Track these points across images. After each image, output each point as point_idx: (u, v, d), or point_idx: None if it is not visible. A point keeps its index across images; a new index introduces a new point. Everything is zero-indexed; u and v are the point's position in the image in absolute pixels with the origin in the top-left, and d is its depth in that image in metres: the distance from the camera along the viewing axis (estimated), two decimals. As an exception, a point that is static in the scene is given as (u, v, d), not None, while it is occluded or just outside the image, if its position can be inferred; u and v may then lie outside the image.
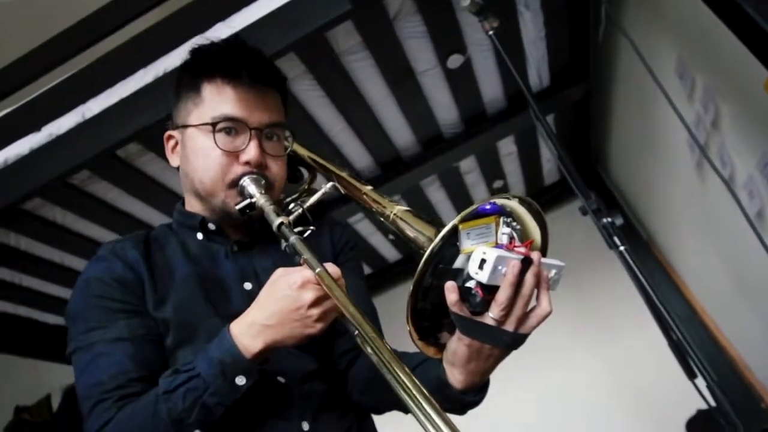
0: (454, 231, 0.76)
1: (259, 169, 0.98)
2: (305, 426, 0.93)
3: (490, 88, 2.40)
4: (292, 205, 0.98)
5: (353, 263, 1.13)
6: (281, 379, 0.95)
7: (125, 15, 1.91)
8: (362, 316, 0.78)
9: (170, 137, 1.08)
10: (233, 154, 0.98)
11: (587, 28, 2.29)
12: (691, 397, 1.30)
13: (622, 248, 1.20)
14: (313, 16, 1.72)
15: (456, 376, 0.83)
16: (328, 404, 0.98)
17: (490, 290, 0.76)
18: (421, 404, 0.66)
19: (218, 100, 0.99)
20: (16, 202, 1.99)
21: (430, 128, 2.52)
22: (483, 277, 0.74)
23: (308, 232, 0.91)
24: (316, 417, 0.95)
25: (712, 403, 1.18)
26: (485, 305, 0.77)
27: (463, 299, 0.77)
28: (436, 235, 0.75)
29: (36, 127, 1.91)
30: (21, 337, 2.73)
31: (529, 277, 0.76)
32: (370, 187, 0.99)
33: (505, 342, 0.78)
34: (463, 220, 0.76)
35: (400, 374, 0.71)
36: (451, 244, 0.77)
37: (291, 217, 0.92)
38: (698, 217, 2.26)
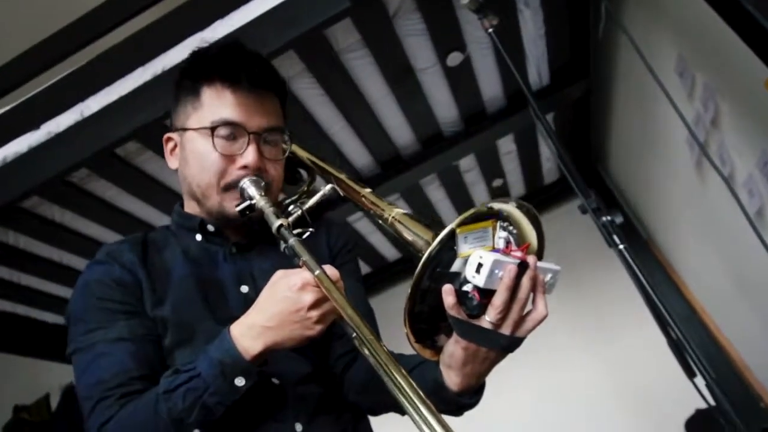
0: (452, 235, 0.76)
1: (257, 173, 0.99)
2: (299, 427, 0.94)
3: (490, 86, 2.39)
4: (291, 207, 0.98)
5: (351, 265, 1.14)
6: (276, 381, 0.96)
7: (124, 13, 1.91)
8: (360, 318, 0.78)
9: (169, 139, 1.08)
10: (231, 158, 0.99)
11: (587, 26, 2.29)
12: (690, 396, 1.30)
13: (621, 247, 1.20)
14: (312, 14, 1.71)
15: (452, 379, 0.84)
16: (324, 406, 0.99)
17: (486, 294, 0.77)
18: (418, 407, 0.67)
19: (217, 104, 0.99)
20: (14, 200, 1.99)
21: (430, 127, 2.52)
22: (480, 280, 0.75)
23: (307, 233, 0.91)
24: (311, 419, 0.96)
25: (712, 403, 1.17)
26: (482, 308, 0.78)
27: (460, 302, 0.78)
28: (433, 239, 0.75)
29: (35, 125, 1.91)
30: (20, 336, 2.73)
31: (526, 281, 0.77)
32: (368, 190, 1.00)
33: (501, 345, 0.79)
34: (460, 224, 0.77)
35: (398, 377, 0.71)
36: (449, 247, 0.78)
37: (290, 219, 0.92)
38: (698, 215, 2.26)
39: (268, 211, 0.93)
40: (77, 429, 0.91)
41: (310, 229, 0.92)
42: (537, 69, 2.40)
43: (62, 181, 2.00)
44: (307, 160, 1.14)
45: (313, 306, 0.82)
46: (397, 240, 0.95)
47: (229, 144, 0.99)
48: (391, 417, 0.96)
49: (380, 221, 0.92)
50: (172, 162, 1.08)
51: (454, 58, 2.13)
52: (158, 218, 2.38)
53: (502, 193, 3.33)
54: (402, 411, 0.70)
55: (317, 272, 0.82)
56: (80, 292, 0.99)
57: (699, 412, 2.54)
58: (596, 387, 2.99)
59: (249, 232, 1.07)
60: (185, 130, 1.03)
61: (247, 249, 1.07)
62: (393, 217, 0.89)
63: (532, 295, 0.79)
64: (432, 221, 0.86)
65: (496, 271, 0.75)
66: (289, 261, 0.88)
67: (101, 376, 0.89)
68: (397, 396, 0.70)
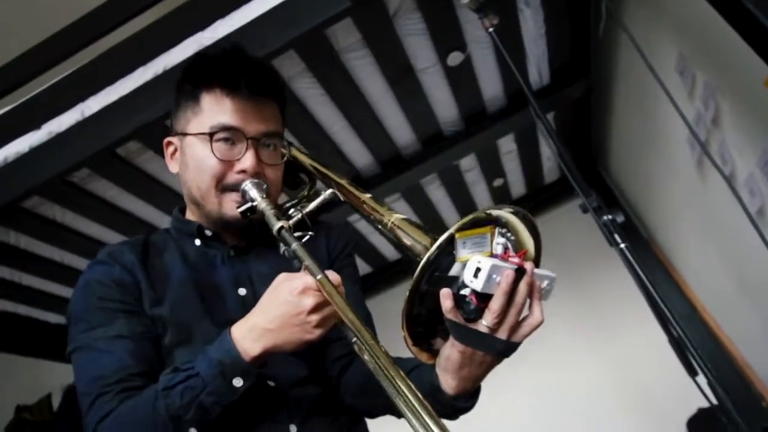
0: (451, 239, 0.78)
1: (255, 178, 1.00)
2: (293, 429, 0.95)
3: (491, 85, 2.39)
4: (291, 211, 0.99)
5: (350, 269, 1.15)
6: (271, 383, 0.97)
7: (124, 13, 1.91)
8: (361, 322, 0.79)
9: (169, 143, 1.10)
10: (230, 163, 1.00)
11: (587, 25, 2.29)
12: (691, 395, 1.30)
13: (622, 246, 1.20)
14: (312, 14, 1.71)
15: (449, 382, 0.85)
16: (319, 409, 1.00)
17: (484, 298, 0.78)
18: (419, 412, 0.68)
19: (216, 110, 1.01)
20: (15, 200, 1.99)
21: (430, 126, 2.52)
22: (477, 285, 0.76)
23: (306, 237, 0.92)
24: (306, 421, 0.97)
25: (714, 401, 1.17)
26: (479, 313, 0.79)
27: (458, 306, 0.79)
28: (432, 244, 0.76)
29: (36, 125, 1.91)
30: (21, 336, 2.73)
31: (522, 287, 0.79)
32: (369, 195, 1.01)
33: (497, 349, 0.81)
34: (459, 229, 0.78)
35: (398, 381, 0.72)
36: (448, 252, 0.79)
37: (291, 222, 0.93)
38: (699, 214, 2.26)
39: (270, 213, 0.94)
40: (79, 429, 0.92)
41: (310, 233, 0.93)
42: (537, 68, 2.40)
43: (63, 180, 2.01)
44: (308, 165, 1.15)
45: (314, 310, 0.82)
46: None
47: (227, 149, 1.00)
48: (388, 420, 0.97)
49: (380, 226, 0.93)
50: (173, 166, 1.10)
51: (455, 58, 2.12)
52: (159, 218, 2.39)
53: (502, 193, 3.32)
54: (398, 414, 0.71)
55: (319, 276, 0.82)
56: (81, 291, 1.00)
57: (701, 411, 2.54)
58: (597, 386, 2.99)
59: (247, 235, 1.08)
60: (185, 134, 1.04)
61: (244, 252, 1.07)
62: (392, 222, 0.90)
63: (528, 300, 0.81)
64: (431, 227, 0.87)
65: (494, 276, 0.76)
66: (288, 264, 0.89)
67: (101, 373, 0.90)
68: (397, 400, 0.71)
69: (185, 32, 1.78)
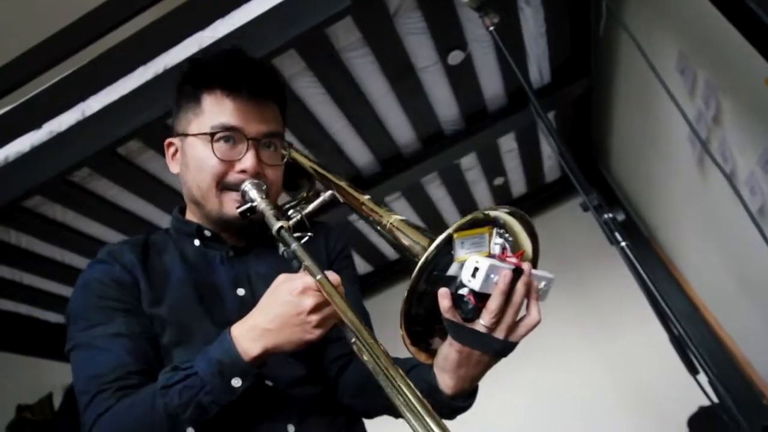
0: (449, 239, 0.78)
1: (255, 178, 1.00)
2: (291, 429, 0.95)
3: (491, 84, 2.39)
4: (291, 212, 1.00)
5: (349, 270, 1.15)
6: (269, 383, 0.97)
7: (125, 12, 1.91)
8: (361, 322, 0.79)
9: (170, 144, 1.10)
10: (230, 163, 1.00)
11: (588, 23, 2.29)
12: (691, 394, 1.30)
13: (623, 244, 1.20)
14: (312, 13, 1.71)
15: (446, 382, 0.85)
16: (317, 408, 1.00)
17: (481, 298, 0.78)
18: (419, 412, 0.68)
19: (217, 111, 1.01)
20: (16, 199, 1.99)
21: (431, 125, 2.52)
22: (475, 284, 0.77)
23: (306, 238, 0.92)
24: (303, 420, 0.97)
25: (715, 400, 1.18)
26: (477, 312, 0.79)
27: (456, 306, 0.80)
28: (430, 244, 0.77)
29: (36, 125, 1.91)
30: (22, 336, 2.73)
31: (520, 287, 0.79)
32: (367, 197, 1.01)
33: (494, 349, 0.81)
34: (458, 230, 0.78)
35: (398, 381, 0.73)
36: (446, 252, 0.79)
37: (290, 222, 0.93)
38: (699, 213, 2.26)
39: (269, 213, 0.95)
40: (80, 428, 0.92)
41: (309, 234, 0.93)
42: (538, 67, 2.40)
43: (64, 180, 2.01)
44: (308, 167, 1.16)
45: (314, 310, 0.83)
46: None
47: (228, 149, 1.00)
48: (386, 420, 0.98)
49: (379, 227, 0.93)
50: (174, 167, 1.10)
51: (455, 57, 2.12)
52: (160, 217, 2.39)
53: (503, 192, 3.32)
54: (396, 414, 0.72)
55: (319, 277, 0.83)
56: (81, 290, 1.00)
57: (702, 410, 2.55)
58: (597, 385, 2.99)
59: (247, 235, 1.08)
60: (186, 135, 1.04)
61: (244, 252, 1.08)
62: (391, 224, 0.91)
63: (526, 300, 0.81)
64: (431, 226, 0.87)
65: (492, 276, 0.77)
66: (287, 264, 0.89)
67: (99, 371, 0.90)
68: (397, 401, 0.71)
69: (185, 32, 1.78)
